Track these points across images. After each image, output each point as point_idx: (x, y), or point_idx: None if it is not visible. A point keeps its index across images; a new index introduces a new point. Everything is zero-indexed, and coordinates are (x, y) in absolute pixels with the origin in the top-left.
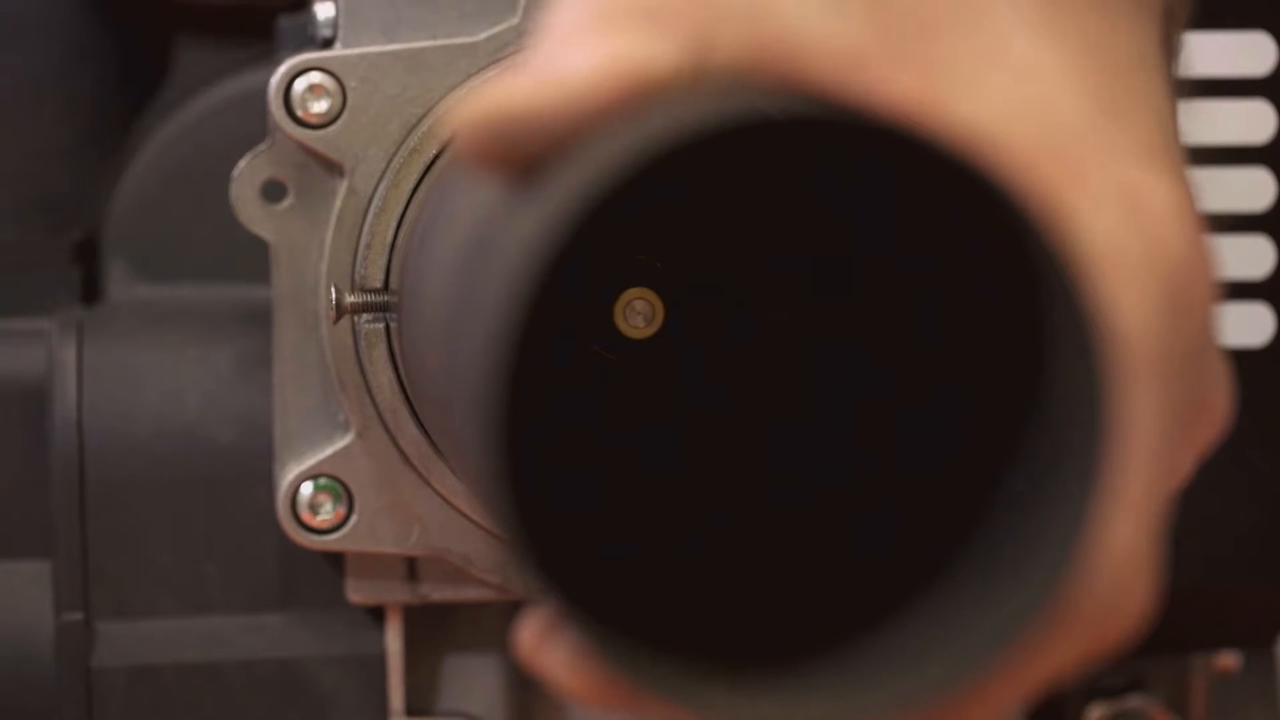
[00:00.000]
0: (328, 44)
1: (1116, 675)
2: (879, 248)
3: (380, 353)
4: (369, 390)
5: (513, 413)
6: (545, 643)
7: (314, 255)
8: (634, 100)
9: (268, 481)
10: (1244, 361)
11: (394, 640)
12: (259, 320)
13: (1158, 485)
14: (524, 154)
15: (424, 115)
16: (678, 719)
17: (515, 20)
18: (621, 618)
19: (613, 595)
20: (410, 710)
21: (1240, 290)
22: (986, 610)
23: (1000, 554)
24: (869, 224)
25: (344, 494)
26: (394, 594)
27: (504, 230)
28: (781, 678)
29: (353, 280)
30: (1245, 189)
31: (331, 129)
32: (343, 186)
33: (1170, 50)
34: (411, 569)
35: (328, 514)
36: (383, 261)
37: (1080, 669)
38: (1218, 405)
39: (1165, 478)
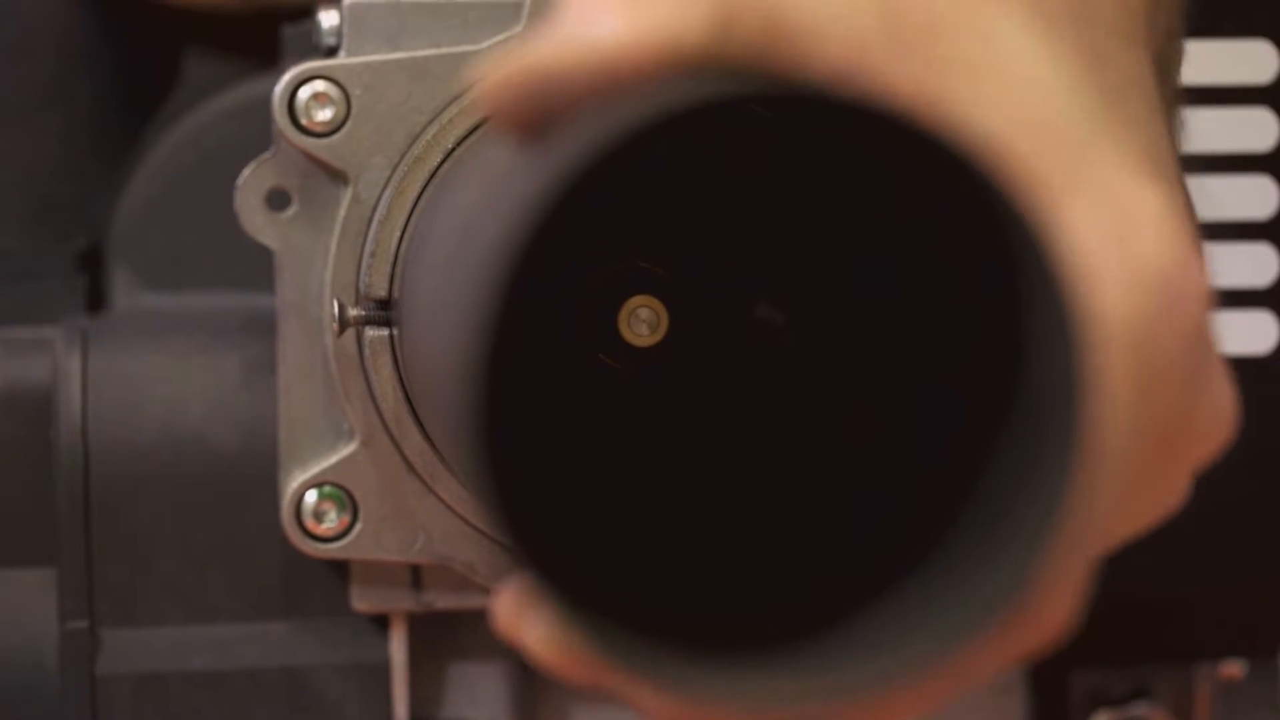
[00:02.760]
0: (332, 52)
1: (1122, 683)
2: (873, 247)
3: (384, 361)
4: (373, 398)
5: (494, 396)
6: (523, 616)
7: (318, 263)
8: (662, 70)
9: (272, 489)
10: (1247, 369)
11: (398, 648)
12: (263, 328)
13: (1116, 511)
14: (548, 114)
15: (428, 123)
16: (650, 694)
17: (519, 29)
18: (612, 602)
19: (607, 582)
20: (415, 718)
21: (1243, 298)
22: (959, 597)
23: (974, 548)
24: (863, 224)
25: (348, 502)
26: (398, 602)
27: (480, 224)
28: (760, 658)
29: (357, 289)
30: (1247, 197)
31: (336, 137)
32: (347, 195)
33: (1165, 71)
34: (416, 577)
35: (332, 522)
36: (387, 269)
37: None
38: (1216, 420)
39: (1129, 503)
